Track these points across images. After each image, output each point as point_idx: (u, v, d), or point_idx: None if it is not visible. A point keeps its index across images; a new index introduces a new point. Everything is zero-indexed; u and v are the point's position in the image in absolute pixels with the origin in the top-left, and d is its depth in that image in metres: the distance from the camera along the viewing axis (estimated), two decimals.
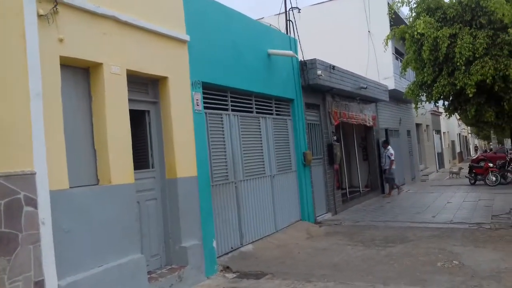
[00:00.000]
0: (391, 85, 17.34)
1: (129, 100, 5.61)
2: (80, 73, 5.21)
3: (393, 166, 15.58)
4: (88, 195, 4.93)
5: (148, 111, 6.29)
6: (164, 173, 6.34)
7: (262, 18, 16.39)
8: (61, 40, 4.74)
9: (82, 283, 4.61)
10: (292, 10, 11.95)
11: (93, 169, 5.20)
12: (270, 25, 10.77)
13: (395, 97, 18.30)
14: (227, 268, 6.91)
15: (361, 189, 15.51)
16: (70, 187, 4.69)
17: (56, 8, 4.66)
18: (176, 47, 6.54)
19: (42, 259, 4.23)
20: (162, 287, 5.63)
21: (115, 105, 5.32)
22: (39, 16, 4.50)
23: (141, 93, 6.16)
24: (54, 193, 4.43)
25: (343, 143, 14.38)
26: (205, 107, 7.28)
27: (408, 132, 21.52)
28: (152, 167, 6.29)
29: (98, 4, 5.20)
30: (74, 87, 5.12)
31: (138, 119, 6.12)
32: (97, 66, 5.22)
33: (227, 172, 7.83)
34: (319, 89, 11.64)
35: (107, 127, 5.18)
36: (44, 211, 4.30)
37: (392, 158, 15.52)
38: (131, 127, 5.56)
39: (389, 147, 15.85)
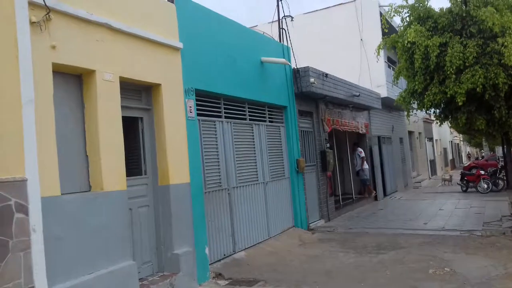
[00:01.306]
0: (383, 93, 17.47)
1: (122, 107, 5.63)
2: (72, 80, 5.22)
3: (365, 166, 15.60)
4: (80, 202, 4.93)
5: (141, 118, 6.30)
6: (157, 179, 6.34)
7: (256, 26, 16.47)
8: (53, 47, 4.75)
9: None
10: (285, 18, 12.02)
11: (85, 176, 5.20)
12: (264, 33, 10.84)
13: (388, 104, 18.43)
14: (219, 275, 6.90)
15: (354, 196, 15.56)
16: (61, 194, 4.68)
17: (49, 15, 4.68)
18: (169, 54, 6.57)
19: (32, 266, 4.20)
20: None
21: (107, 112, 5.33)
22: (32, 23, 4.50)
23: (134, 100, 6.17)
24: (45, 199, 4.41)
25: (336, 150, 14.43)
26: (198, 114, 7.30)
27: (401, 139, 21.65)
28: (145, 174, 6.29)
29: (91, 12, 5.23)
30: (67, 94, 5.13)
31: (131, 126, 6.12)
32: (90, 73, 5.24)
33: (220, 179, 7.84)
34: (312, 96, 11.71)
35: (99, 134, 5.19)
36: (35, 218, 4.27)
37: (362, 155, 15.59)
38: (124, 133, 5.57)
39: (359, 148, 15.83)
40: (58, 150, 4.71)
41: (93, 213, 5.01)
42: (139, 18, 6.05)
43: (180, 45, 6.74)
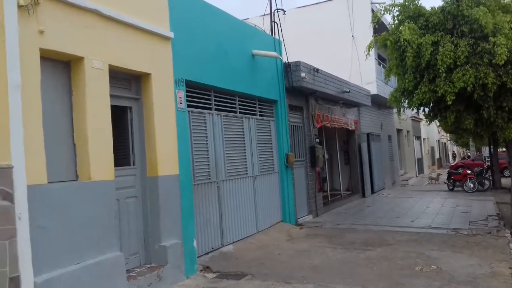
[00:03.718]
0: (373, 90, 17.52)
1: (111, 95, 5.52)
2: (60, 67, 5.10)
3: None
4: (67, 191, 4.83)
5: (130, 108, 6.20)
6: (145, 170, 6.25)
7: (247, 18, 16.38)
8: (41, 32, 4.63)
9: (58, 280, 4.51)
10: (277, 11, 11.96)
11: (72, 164, 5.10)
12: (255, 25, 10.77)
13: (377, 102, 18.49)
14: (207, 268, 6.86)
15: (342, 192, 15.61)
16: (48, 182, 4.58)
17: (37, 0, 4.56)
18: (160, 44, 6.46)
19: (18, 254, 4.11)
20: (141, 286, 5.55)
21: (96, 100, 5.23)
22: (19, 6, 4.38)
23: (123, 89, 6.06)
24: (31, 187, 4.31)
25: (326, 146, 14.45)
26: (188, 106, 7.22)
27: (389, 137, 21.78)
28: (133, 165, 6.20)
29: None
30: (54, 81, 5.01)
31: (119, 115, 6.02)
32: (79, 60, 5.12)
33: (209, 172, 7.78)
34: (303, 91, 11.68)
35: (87, 122, 5.09)
36: (21, 206, 4.18)
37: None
38: (112, 123, 5.48)
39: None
40: (45, 138, 4.60)
41: (80, 202, 4.92)
42: (130, 6, 5.94)
43: (171, 34, 6.64)
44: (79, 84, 5.15)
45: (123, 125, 6.16)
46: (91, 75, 5.20)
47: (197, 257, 6.92)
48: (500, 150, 21.34)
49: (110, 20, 5.55)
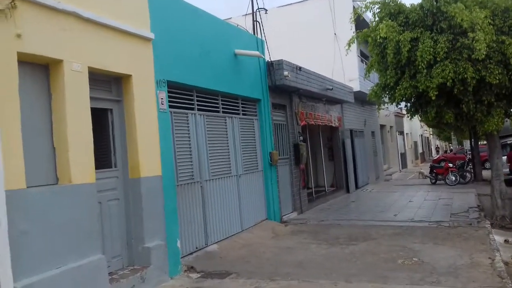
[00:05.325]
0: (356, 87, 17.67)
1: (91, 98, 5.50)
2: (39, 70, 5.07)
3: None
4: (47, 195, 4.80)
5: (111, 110, 6.18)
6: (127, 172, 6.24)
7: (230, 18, 16.38)
8: (19, 36, 4.59)
9: (39, 285, 4.49)
10: (259, 11, 12.00)
11: (52, 168, 5.07)
12: (237, 25, 10.79)
13: (360, 98, 18.66)
14: (191, 268, 6.87)
15: (326, 189, 15.73)
16: (27, 187, 4.55)
17: (14, 3, 4.52)
18: (140, 45, 6.45)
19: None
20: None
21: (75, 103, 5.20)
22: None
23: (103, 91, 6.04)
24: (10, 192, 4.28)
25: (309, 143, 14.54)
26: (170, 106, 7.21)
27: (373, 133, 21.97)
28: (115, 167, 6.18)
29: (59, 0, 5.07)
30: (33, 84, 4.97)
31: (100, 118, 6.00)
32: (57, 63, 5.09)
33: (192, 172, 7.78)
34: (286, 89, 11.73)
35: (67, 125, 5.06)
36: (0, 211, 4.15)
37: None
38: (93, 125, 5.45)
39: None
40: (24, 142, 4.57)
41: (61, 206, 4.90)
42: (109, 8, 5.91)
43: (151, 35, 6.63)
44: (58, 87, 5.11)
45: (104, 127, 6.13)
46: (70, 78, 5.17)
47: (181, 257, 6.93)
48: (481, 143, 21.68)
49: (89, 22, 5.52)
